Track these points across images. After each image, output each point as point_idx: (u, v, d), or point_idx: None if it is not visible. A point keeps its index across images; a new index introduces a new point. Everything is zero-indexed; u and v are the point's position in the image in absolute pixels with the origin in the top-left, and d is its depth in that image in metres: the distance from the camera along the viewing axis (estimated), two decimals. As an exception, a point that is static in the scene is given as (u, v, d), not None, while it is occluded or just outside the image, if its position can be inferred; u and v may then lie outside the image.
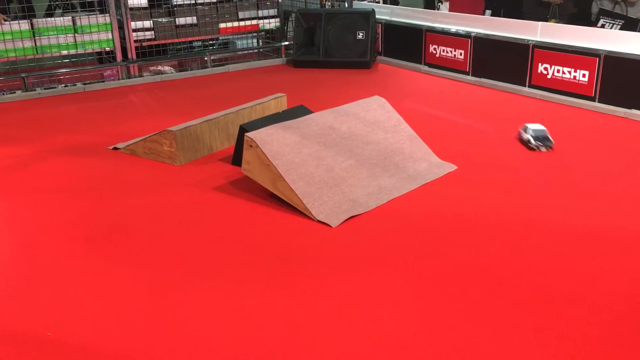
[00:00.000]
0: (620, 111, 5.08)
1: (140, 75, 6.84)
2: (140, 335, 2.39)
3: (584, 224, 3.22)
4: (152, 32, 6.85)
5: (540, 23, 5.80)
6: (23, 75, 6.24)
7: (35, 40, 6.21)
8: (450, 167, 4.00)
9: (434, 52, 6.78)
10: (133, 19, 6.69)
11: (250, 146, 3.49)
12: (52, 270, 2.91)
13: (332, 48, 7.16)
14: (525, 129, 4.45)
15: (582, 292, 2.61)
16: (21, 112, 5.70)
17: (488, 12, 7.34)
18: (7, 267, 2.95)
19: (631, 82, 5.02)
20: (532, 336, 2.33)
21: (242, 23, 7.39)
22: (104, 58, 6.82)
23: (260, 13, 7.53)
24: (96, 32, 6.50)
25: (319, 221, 3.29)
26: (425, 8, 8.42)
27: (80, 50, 6.49)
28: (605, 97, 5.21)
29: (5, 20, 6.06)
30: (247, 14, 7.43)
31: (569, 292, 2.61)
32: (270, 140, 3.52)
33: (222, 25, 7.27)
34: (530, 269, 2.80)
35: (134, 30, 6.73)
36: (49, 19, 6.32)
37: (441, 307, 2.53)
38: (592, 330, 2.35)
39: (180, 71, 7.08)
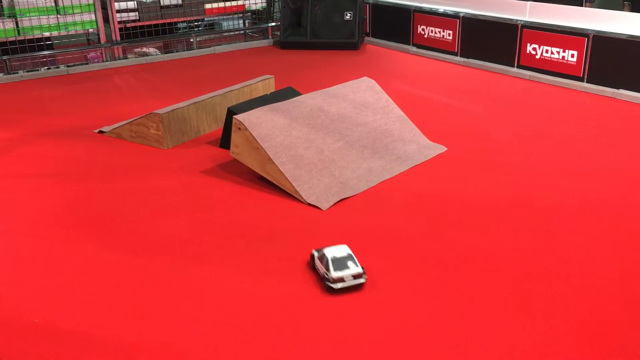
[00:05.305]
0: (609, 91, 5.08)
1: (125, 57, 6.74)
2: (129, 320, 2.37)
3: (572, 203, 3.22)
4: (137, 12, 6.73)
5: (528, 3, 5.76)
6: (5, 57, 6.11)
7: (16, 22, 6.08)
8: (440, 149, 3.99)
9: (422, 32, 6.73)
10: (116, 0, 6.57)
11: (239, 129, 3.45)
12: (38, 256, 2.87)
13: (319, 29, 7.08)
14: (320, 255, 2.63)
15: (572, 271, 2.62)
16: (3, 96, 5.58)
17: None
18: (-7, 254, 2.91)
19: (619, 62, 5.01)
20: (522, 316, 2.33)
21: (228, 3, 7.28)
22: (89, 39, 6.68)
23: (247, -7, 7.42)
24: (79, 12, 6.37)
25: (309, 204, 3.27)
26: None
27: (63, 32, 6.37)
28: (594, 77, 5.21)
29: None
30: (233, -6, 7.31)
31: (559, 271, 2.62)
32: (259, 122, 3.47)
33: (208, 5, 7.15)
34: (521, 248, 2.81)
35: (118, 11, 6.61)
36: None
37: (433, 288, 2.53)
38: (581, 308, 2.37)
39: (165, 53, 6.98)
